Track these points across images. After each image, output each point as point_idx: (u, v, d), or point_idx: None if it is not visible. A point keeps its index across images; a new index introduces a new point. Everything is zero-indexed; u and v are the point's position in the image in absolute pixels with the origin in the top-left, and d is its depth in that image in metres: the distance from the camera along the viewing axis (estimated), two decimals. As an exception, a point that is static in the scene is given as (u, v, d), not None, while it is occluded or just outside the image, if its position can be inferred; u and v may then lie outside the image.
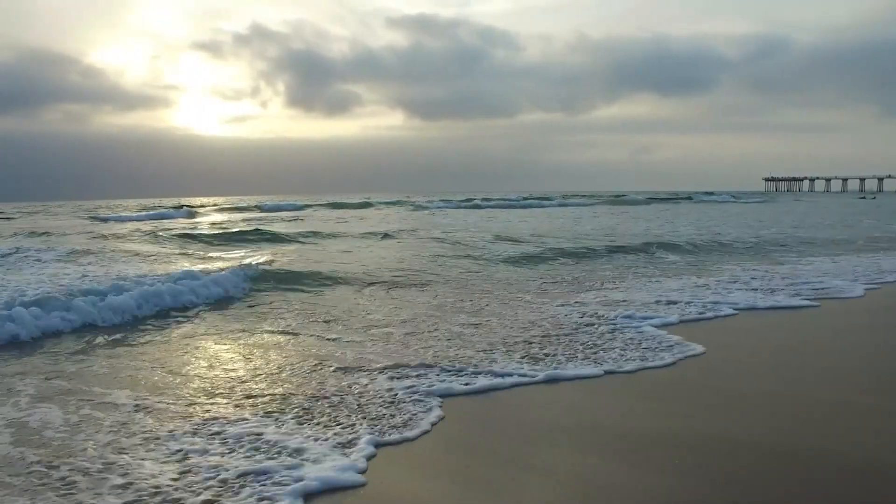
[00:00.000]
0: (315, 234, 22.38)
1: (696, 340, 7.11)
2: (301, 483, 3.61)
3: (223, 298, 9.63)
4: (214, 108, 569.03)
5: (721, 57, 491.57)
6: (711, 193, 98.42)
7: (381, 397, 5.23)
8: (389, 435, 4.43)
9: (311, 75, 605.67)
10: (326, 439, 4.31)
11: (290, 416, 4.78)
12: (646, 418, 4.83)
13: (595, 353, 6.63)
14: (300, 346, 6.94)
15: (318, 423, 4.62)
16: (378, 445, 4.25)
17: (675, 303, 9.30)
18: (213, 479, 3.72)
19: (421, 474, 3.95)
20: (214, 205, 58.42)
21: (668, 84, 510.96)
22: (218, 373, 5.98)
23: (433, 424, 4.66)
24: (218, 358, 6.54)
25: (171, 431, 4.48)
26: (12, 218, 37.94)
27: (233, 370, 6.06)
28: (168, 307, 8.80)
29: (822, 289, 10.63)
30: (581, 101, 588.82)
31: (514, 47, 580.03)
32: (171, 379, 5.79)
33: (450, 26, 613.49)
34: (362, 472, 3.86)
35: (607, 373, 6.00)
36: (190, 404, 5.09)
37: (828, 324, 8.39)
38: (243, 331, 7.81)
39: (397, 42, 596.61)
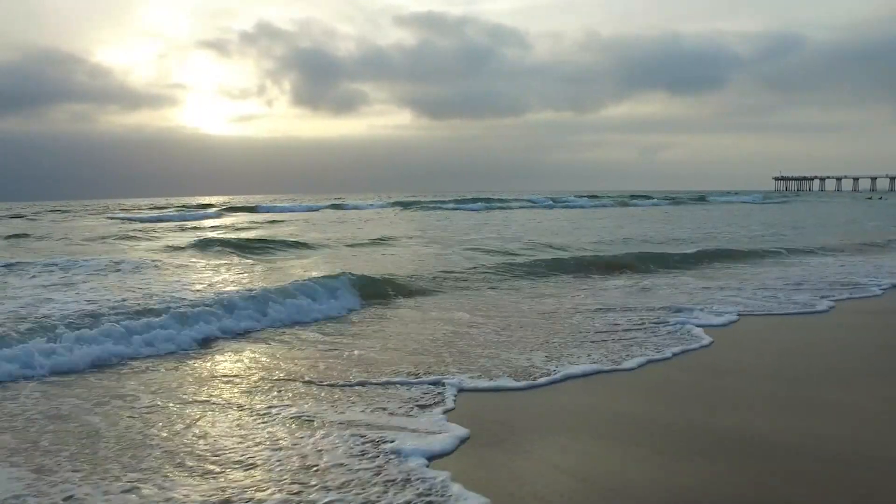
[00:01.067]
0: (350, 239, 22.41)
1: (722, 340, 7.46)
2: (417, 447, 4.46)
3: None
4: (221, 107, 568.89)
5: (733, 55, 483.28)
6: (730, 193, 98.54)
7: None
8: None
9: (318, 74, 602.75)
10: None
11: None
12: (667, 413, 5.18)
13: (629, 348, 7.05)
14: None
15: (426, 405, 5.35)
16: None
17: (697, 306, 9.44)
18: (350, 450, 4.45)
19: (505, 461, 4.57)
20: (225, 204, 58.25)
21: (678, 82, 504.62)
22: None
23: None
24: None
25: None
26: (34, 219, 37.64)
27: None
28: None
29: (844, 289, 10.93)
30: (590, 100, 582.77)
31: (522, 45, 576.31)
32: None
33: (458, 24, 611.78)
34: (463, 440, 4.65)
35: (639, 366, 6.42)
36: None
37: (844, 324, 8.56)
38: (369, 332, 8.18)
39: (405, 40, 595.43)
